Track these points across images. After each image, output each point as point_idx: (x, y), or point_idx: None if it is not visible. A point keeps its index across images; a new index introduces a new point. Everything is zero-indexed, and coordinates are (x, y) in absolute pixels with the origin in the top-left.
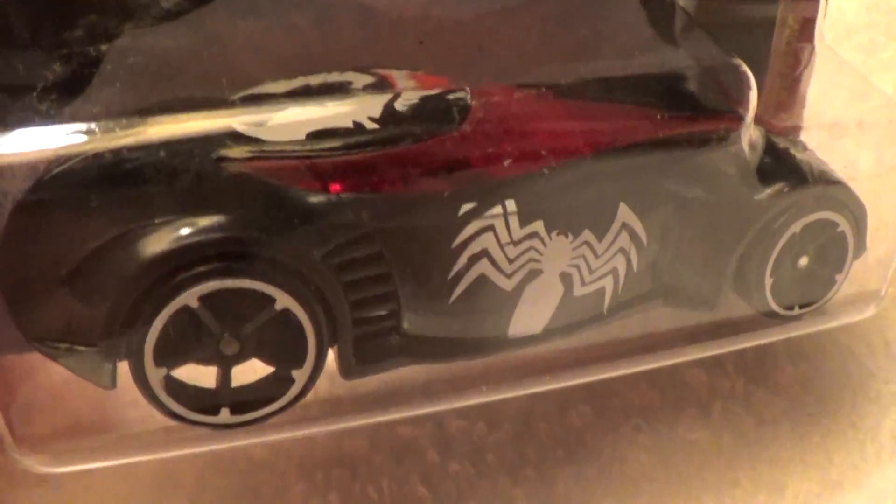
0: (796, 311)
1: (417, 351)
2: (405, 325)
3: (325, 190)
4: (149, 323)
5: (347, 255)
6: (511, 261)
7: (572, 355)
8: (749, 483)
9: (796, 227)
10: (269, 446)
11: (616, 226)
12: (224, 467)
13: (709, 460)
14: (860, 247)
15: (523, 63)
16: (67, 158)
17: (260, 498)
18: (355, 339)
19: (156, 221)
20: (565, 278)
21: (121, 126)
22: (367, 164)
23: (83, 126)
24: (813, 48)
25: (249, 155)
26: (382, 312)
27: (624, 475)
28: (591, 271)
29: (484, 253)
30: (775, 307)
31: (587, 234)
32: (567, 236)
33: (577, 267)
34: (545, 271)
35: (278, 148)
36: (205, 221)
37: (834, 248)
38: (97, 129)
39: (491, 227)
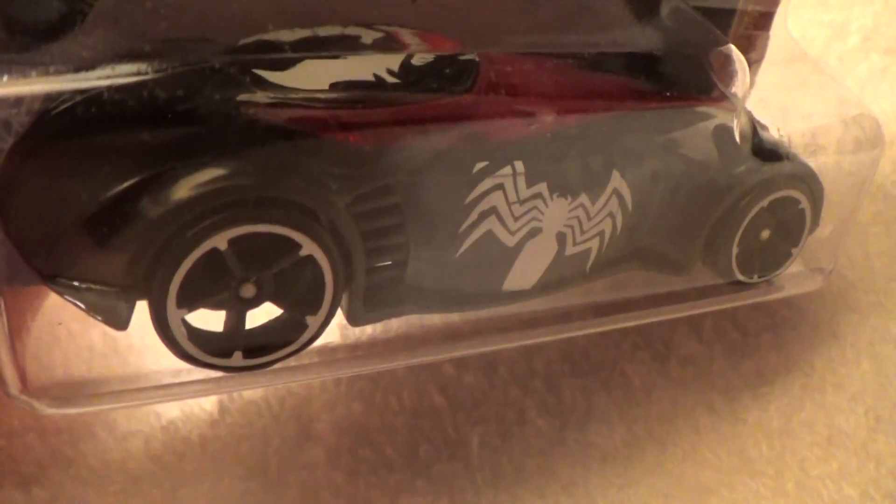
0: (755, 279)
1: (419, 301)
2: (410, 275)
3: (348, 140)
4: (178, 263)
5: (368, 204)
6: (516, 219)
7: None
8: (735, 389)
9: (765, 202)
10: None
11: (608, 190)
12: None
13: (700, 371)
14: (815, 223)
15: (508, 31)
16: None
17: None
18: (366, 287)
19: (187, 164)
20: (560, 237)
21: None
22: (388, 118)
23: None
24: (768, 37)
25: (273, 101)
26: (391, 262)
27: (625, 386)
28: (582, 232)
29: (493, 210)
30: (739, 275)
31: (583, 198)
32: (566, 198)
33: (572, 227)
34: (544, 230)
35: (302, 96)
36: (237, 166)
37: (793, 224)
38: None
39: (501, 186)
